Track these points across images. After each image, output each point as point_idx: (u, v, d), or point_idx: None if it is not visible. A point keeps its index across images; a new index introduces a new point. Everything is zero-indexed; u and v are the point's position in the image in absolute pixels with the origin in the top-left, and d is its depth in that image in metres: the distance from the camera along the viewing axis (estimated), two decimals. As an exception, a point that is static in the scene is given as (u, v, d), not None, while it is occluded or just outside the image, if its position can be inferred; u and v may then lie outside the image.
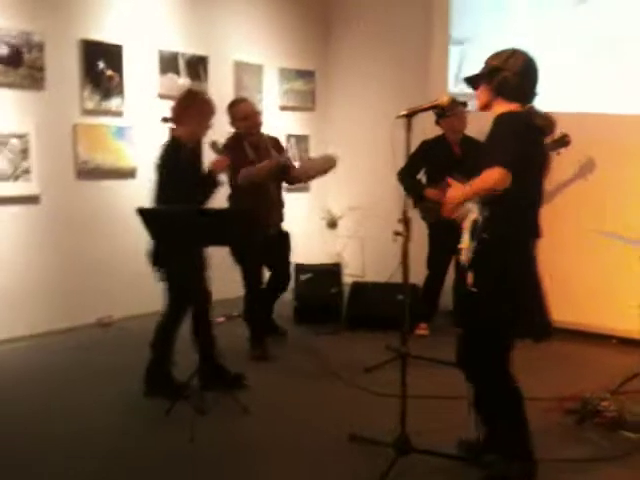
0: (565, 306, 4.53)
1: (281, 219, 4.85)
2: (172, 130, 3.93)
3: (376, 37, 6.67)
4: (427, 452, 3.08)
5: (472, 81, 2.94)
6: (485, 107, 2.91)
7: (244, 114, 4.62)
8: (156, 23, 5.73)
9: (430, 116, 4.39)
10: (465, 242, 2.82)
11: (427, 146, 5.03)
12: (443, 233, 4.67)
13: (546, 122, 2.79)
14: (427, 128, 4.90)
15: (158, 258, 3.74)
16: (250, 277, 4.66)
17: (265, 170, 4.57)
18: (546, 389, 3.85)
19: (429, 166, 5.10)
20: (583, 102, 5.15)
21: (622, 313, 4.71)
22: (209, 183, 3.87)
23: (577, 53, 5.20)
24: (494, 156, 2.67)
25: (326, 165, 4.83)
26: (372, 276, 6.06)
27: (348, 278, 6.01)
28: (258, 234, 4.53)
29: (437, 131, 5.08)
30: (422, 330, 5.19)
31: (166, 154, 3.84)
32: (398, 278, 5.09)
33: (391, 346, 4.56)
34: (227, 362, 4.07)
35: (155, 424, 3.58)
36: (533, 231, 2.83)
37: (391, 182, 5.27)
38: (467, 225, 2.82)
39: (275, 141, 4.87)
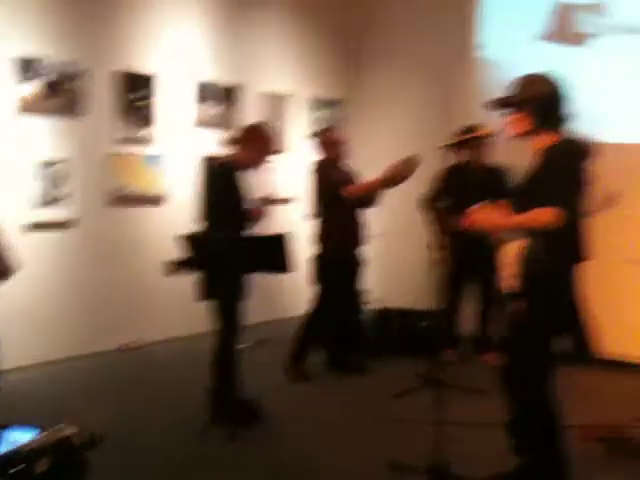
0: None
1: (364, 239, 5.00)
2: (229, 153, 4.02)
3: (406, 69, 6.78)
4: (461, 478, 3.12)
5: (503, 104, 2.93)
6: (523, 136, 2.92)
7: (339, 140, 4.97)
8: (191, 54, 5.88)
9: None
10: (509, 268, 2.85)
11: (451, 173, 5.12)
12: (462, 258, 4.74)
13: (588, 147, 2.85)
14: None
15: (209, 288, 3.78)
16: (326, 296, 4.83)
17: (379, 183, 4.80)
18: (576, 417, 3.83)
19: (453, 193, 5.17)
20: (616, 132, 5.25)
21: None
22: (246, 218, 3.97)
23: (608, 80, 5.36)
24: (549, 194, 2.70)
25: (403, 169, 4.75)
26: (394, 302, 6.09)
27: (371, 303, 6.05)
28: (346, 253, 4.82)
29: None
30: (449, 356, 5.23)
31: (220, 173, 3.91)
32: (421, 304, 5.25)
33: (422, 373, 4.60)
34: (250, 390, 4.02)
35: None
36: (580, 254, 2.86)
37: (412, 210, 5.39)
38: (512, 253, 2.85)
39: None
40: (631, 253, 4.93)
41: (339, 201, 4.74)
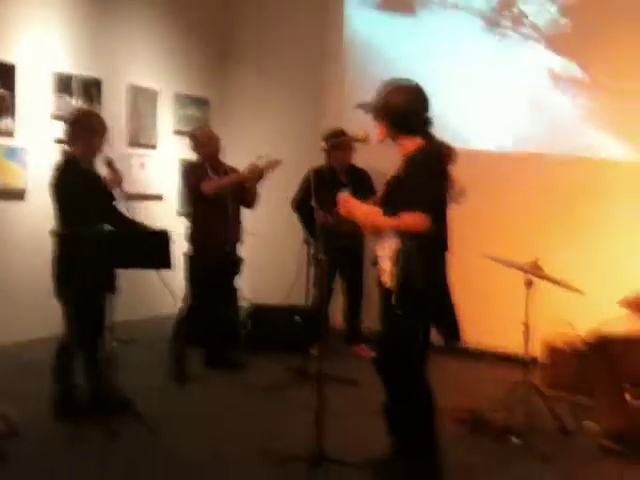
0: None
1: (238, 238, 4.97)
2: (67, 150, 3.91)
3: (271, 70, 6.84)
4: (340, 462, 3.24)
5: (364, 110, 3.10)
6: (383, 141, 3.08)
7: (213, 139, 4.88)
8: (51, 44, 5.61)
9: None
10: (387, 266, 3.01)
11: (315, 175, 5.26)
12: (333, 254, 4.90)
13: (449, 151, 3.08)
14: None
15: (66, 284, 3.68)
16: (196, 295, 4.78)
17: (233, 180, 4.80)
18: (440, 401, 4.11)
19: (321, 194, 5.30)
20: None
21: (504, 332, 5.08)
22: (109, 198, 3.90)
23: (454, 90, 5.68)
24: (414, 200, 2.89)
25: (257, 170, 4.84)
26: (268, 298, 6.13)
27: (246, 301, 6.08)
28: (215, 252, 4.79)
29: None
30: (320, 349, 5.34)
31: (62, 174, 3.82)
32: (294, 300, 5.35)
33: (293, 367, 4.71)
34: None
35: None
36: (444, 246, 3.08)
37: (284, 210, 5.49)
38: (388, 252, 3.00)
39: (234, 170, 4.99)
40: (483, 248, 5.29)
41: (208, 201, 4.71)
